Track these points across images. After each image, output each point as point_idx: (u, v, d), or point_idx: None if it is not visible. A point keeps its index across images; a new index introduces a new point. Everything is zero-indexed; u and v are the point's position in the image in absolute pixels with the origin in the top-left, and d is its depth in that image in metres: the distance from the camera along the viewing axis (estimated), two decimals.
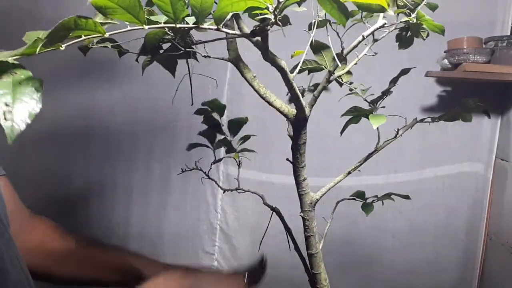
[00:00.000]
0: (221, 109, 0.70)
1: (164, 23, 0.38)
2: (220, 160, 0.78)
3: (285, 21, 0.57)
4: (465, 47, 1.33)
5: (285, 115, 0.55)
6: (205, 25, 0.37)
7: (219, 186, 0.85)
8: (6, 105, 0.31)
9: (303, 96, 0.71)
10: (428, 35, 0.58)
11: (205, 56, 0.57)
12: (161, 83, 1.38)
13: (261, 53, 0.43)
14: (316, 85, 0.70)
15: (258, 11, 0.36)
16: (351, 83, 0.67)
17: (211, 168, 0.76)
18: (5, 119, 0.31)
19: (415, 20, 0.51)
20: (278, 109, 0.55)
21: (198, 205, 1.58)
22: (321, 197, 0.64)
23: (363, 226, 1.55)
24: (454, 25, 1.33)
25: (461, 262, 1.58)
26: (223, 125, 0.72)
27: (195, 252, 1.62)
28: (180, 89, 0.66)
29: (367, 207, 0.74)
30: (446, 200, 1.55)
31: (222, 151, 0.76)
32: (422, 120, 0.69)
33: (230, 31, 0.38)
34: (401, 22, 0.52)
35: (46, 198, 1.51)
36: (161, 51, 0.58)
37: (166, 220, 1.57)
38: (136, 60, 0.59)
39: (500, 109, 1.50)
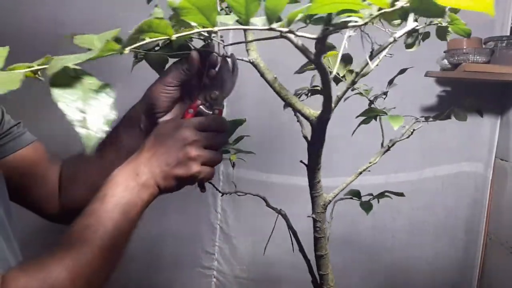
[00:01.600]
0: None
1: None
2: None
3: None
4: (464, 47, 1.33)
5: (306, 117, 0.55)
6: (275, 26, 0.36)
7: (218, 190, 0.84)
8: (81, 112, 0.30)
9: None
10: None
11: (226, 57, 0.57)
12: None
13: (313, 54, 0.42)
14: (314, 87, 0.70)
15: (349, 14, 0.35)
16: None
17: None
18: (81, 126, 0.30)
19: (443, 23, 0.50)
20: (299, 111, 0.55)
21: (198, 205, 1.58)
22: (333, 198, 0.64)
23: (363, 226, 1.55)
24: None
25: (460, 261, 1.58)
26: None
27: (195, 252, 1.62)
28: None
29: (366, 206, 0.74)
30: (445, 200, 1.55)
31: None
32: (417, 120, 0.70)
33: (301, 34, 0.37)
34: (431, 24, 0.51)
35: None
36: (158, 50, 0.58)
37: (166, 220, 1.57)
38: (135, 57, 0.60)
39: (499, 109, 1.50)
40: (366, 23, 0.35)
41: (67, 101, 0.30)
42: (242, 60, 0.56)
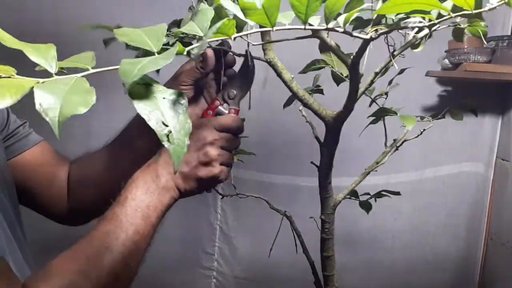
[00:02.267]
0: None
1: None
2: None
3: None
4: (465, 46, 1.32)
5: (322, 117, 0.55)
6: (331, 26, 0.36)
7: (218, 192, 0.83)
8: (165, 125, 0.28)
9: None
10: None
11: (243, 55, 0.56)
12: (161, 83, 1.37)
13: (353, 56, 0.42)
14: (317, 87, 0.70)
15: (417, 14, 0.34)
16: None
17: None
18: (168, 141, 0.28)
19: (462, 25, 0.50)
20: (315, 111, 0.55)
21: (198, 205, 1.58)
22: (343, 198, 0.64)
23: (363, 226, 1.55)
24: None
25: (461, 261, 1.58)
26: None
27: (195, 252, 1.62)
28: None
29: (365, 206, 0.74)
30: (446, 200, 1.55)
31: None
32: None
33: (356, 35, 0.36)
34: (449, 26, 0.51)
35: None
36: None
37: (166, 221, 1.56)
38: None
39: (500, 108, 1.50)
40: (434, 25, 0.34)
41: (147, 112, 0.28)
42: (259, 59, 0.55)
